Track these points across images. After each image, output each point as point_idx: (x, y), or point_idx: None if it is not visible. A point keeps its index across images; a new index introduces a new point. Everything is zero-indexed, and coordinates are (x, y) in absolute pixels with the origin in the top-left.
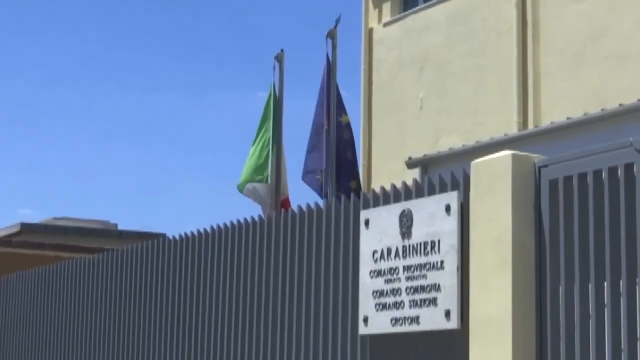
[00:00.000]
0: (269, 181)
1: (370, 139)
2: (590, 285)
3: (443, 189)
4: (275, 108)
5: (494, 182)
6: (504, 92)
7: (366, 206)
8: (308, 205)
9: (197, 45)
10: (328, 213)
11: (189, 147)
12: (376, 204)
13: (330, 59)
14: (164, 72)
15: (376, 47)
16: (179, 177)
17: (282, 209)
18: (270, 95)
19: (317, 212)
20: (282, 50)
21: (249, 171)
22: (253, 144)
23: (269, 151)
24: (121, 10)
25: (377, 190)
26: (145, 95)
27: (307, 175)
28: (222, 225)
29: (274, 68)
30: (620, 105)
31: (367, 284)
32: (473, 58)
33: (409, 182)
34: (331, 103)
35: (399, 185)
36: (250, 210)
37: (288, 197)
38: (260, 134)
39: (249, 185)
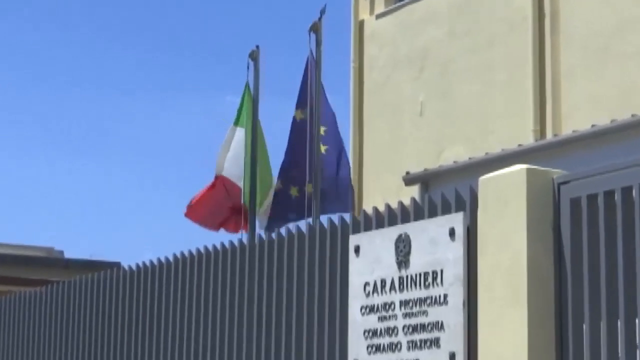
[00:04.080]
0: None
1: (362, 150)
2: (619, 322)
3: (446, 210)
4: (251, 111)
5: (505, 202)
6: (517, 94)
7: (356, 230)
8: (288, 230)
9: (158, 43)
10: (311, 238)
11: (145, 161)
12: (368, 227)
13: (315, 56)
14: (127, 74)
15: (368, 43)
16: (135, 196)
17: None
18: (243, 97)
19: (298, 237)
20: (257, 47)
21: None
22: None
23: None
24: (82, 9)
25: (369, 211)
26: (92, 99)
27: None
28: (186, 254)
29: (247, 67)
30: None
31: (358, 322)
32: (481, 55)
33: (407, 202)
34: (314, 104)
35: (394, 205)
36: (216, 236)
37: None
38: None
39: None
